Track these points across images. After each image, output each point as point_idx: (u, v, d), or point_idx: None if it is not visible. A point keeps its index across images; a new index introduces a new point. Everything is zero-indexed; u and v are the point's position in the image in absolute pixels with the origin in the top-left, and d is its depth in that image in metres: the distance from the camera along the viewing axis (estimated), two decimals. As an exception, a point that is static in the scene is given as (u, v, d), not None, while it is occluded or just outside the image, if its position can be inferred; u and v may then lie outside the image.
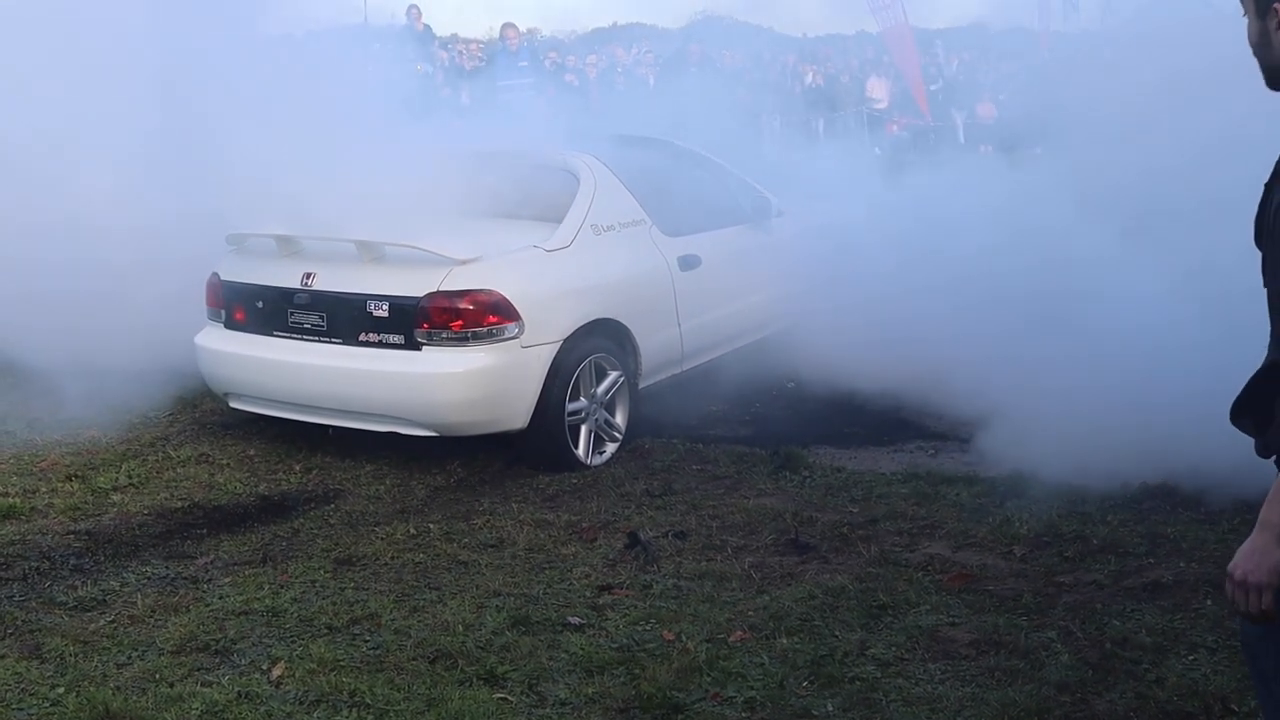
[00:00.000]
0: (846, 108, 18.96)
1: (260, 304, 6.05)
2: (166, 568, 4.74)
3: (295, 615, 4.23)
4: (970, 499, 5.28)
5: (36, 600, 4.42)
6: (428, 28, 15.81)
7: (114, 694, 3.65)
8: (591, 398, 5.99)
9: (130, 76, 6.80)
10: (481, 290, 5.60)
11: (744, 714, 3.53)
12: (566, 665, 3.81)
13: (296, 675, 3.77)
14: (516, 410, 5.71)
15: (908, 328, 6.55)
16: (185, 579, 4.62)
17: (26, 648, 4.00)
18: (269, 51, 6.98)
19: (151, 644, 4.03)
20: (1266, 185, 2.05)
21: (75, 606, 4.36)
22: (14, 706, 3.62)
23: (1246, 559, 2.01)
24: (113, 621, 4.22)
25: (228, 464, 6.00)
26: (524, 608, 4.22)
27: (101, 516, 5.32)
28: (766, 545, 4.82)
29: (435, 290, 5.59)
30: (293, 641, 4.02)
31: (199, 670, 3.84)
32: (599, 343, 6.04)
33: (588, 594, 4.38)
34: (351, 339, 5.77)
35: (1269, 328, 2.07)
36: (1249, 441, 2.13)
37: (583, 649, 3.90)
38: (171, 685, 3.72)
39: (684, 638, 3.97)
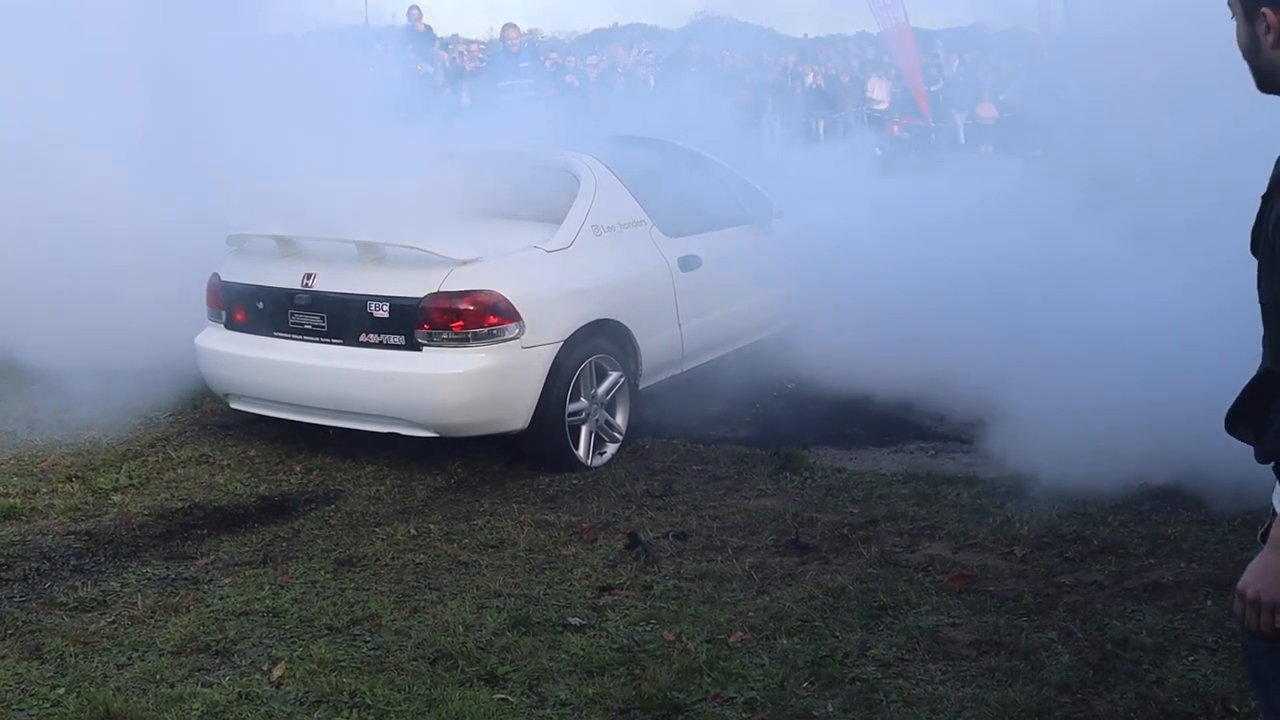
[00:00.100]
0: (847, 108, 18.97)
1: (261, 305, 6.05)
2: (167, 568, 4.74)
3: (296, 616, 4.23)
4: (971, 500, 5.28)
5: (37, 601, 4.42)
6: (428, 28, 15.82)
7: (114, 694, 3.65)
8: (592, 398, 5.99)
9: (131, 77, 6.80)
10: (482, 291, 5.60)
11: (744, 714, 3.52)
12: (567, 666, 3.81)
13: (297, 676, 3.77)
14: (517, 411, 5.71)
15: (908, 328, 6.55)
16: (186, 579, 4.62)
17: (27, 648, 4.01)
18: (269, 52, 6.98)
19: (152, 644, 4.03)
20: (1264, 197, 2.04)
21: (75, 607, 4.36)
22: (14, 707, 3.63)
23: (1258, 578, 1.97)
24: (113, 622, 4.22)
25: (228, 465, 6.01)
26: (524, 608, 4.22)
27: (102, 517, 5.32)
28: (767, 546, 4.82)
29: (436, 291, 5.59)
30: (293, 642, 4.02)
31: (199, 671, 3.84)
32: (599, 343, 6.04)
33: (588, 595, 4.38)
34: (352, 340, 5.77)
35: (1262, 334, 2.06)
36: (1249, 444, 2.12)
37: (583, 649, 3.90)
38: (172, 686, 3.72)
39: (684, 638, 3.97)
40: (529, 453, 5.91)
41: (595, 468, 5.92)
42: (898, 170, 12.01)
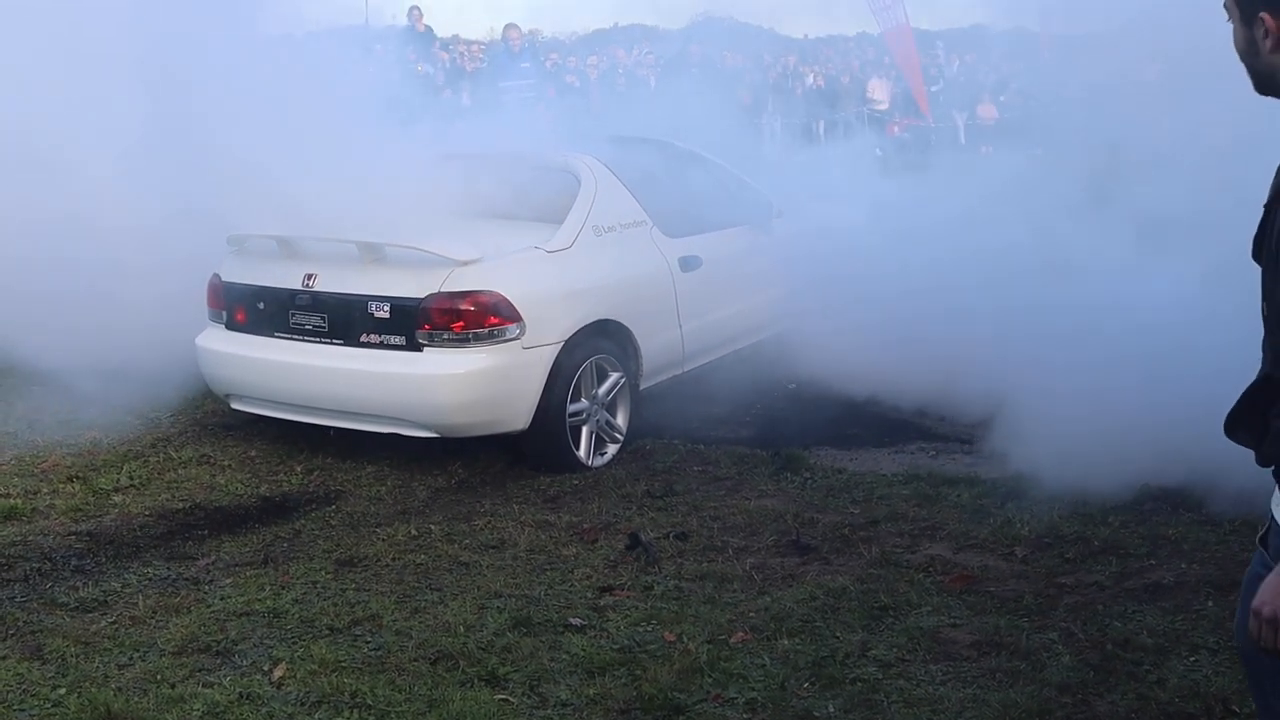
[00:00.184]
0: (847, 109, 18.98)
1: (261, 305, 6.05)
2: (168, 569, 4.74)
3: (296, 616, 4.23)
4: (971, 500, 5.28)
5: (38, 601, 4.43)
6: (429, 29, 15.83)
7: (115, 695, 3.65)
8: (593, 399, 5.99)
9: (132, 77, 6.80)
10: (483, 291, 5.60)
11: (745, 715, 3.53)
12: (568, 666, 3.81)
13: (298, 676, 3.77)
14: (518, 411, 5.71)
15: (909, 329, 6.55)
16: (186, 580, 4.62)
17: (28, 649, 4.01)
18: (270, 52, 6.98)
19: (153, 645, 4.03)
20: (1266, 206, 2.04)
21: (76, 607, 4.36)
22: (15, 707, 3.63)
23: (1275, 595, 1.95)
24: (114, 622, 4.22)
25: (229, 465, 6.01)
26: (525, 609, 4.22)
27: (103, 517, 5.32)
28: (768, 546, 4.82)
29: (436, 291, 5.59)
30: (294, 642, 4.02)
31: (200, 671, 3.84)
32: (600, 344, 6.04)
33: (589, 595, 4.38)
34: (353, 340, 5.77)
35: (1263, 339, 2.06)
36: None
37: (584, 650, 3.90)
38: (173, 686, 3.72)
39: (685, 639, 3.97)
40: (530, 453, 5.91)
41: (596, 468, 5.92)
42: (898, 170, 12.00)
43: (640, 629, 4.07)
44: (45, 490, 5.64)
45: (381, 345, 5.70)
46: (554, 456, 5.86)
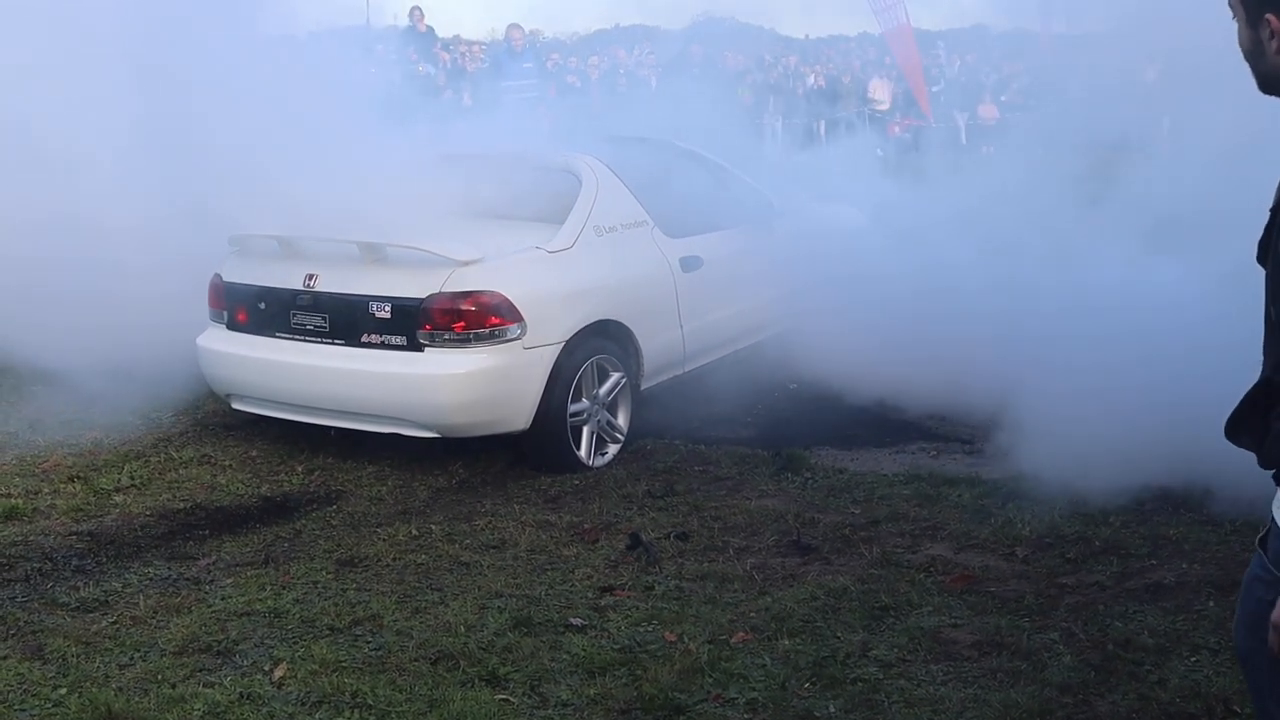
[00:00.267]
0: (849, 109, 18.99)
1: (263, 305, 6.05)
2: (169, 569, 4.74)
3: (297, 616, 4.23)
4: (972, 500, 5.28)
5: (39, 601, 4.43)
6: (430, 29, 15.84)
7: (116, 695, 3.65)
8: (593, 399, 5.99)
9: (132, 77, 6.80)
10: (484, 291, 5.60)
11: (746, 715, 3.52)
12: (568, 666, 3.81)
13: (298, 676, 3.77)
14: (519, 411, 5.71)
15: (909, 329, 6.55)
16: (187, 580, 4.62)
17: (29, 648, 4.01)
18: (271, 53, 6.98)
19: (153, 645, 4.03)
20: (1272, 210, 2.04)
21: (77, 607, 4.36)
22: (16, 707, 3.63)
23: None
24: (115, 622, 4.22)
25: (230, 465, 6.01)
26: (526, 609, 4.22)
27: (104, 517, 5.32)
28: (768, 546, 4.81)
29: (438, 291, 5.59)
30: (295, 642, 4.03)
31: (201, 671, 3.84)
32: (601, 344, 6.04)
33: (589, 595, 4.38)
34: (354, 340, 5.77)
35: (1263, 342, 2.06)
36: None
37: (585, 650, 3.90)
38: (173, 686, 3.72)
39: (686, 639, 3.97)
40: (530, 453, 5.91)
41: (597, 468, 5.92)
42: (899, 170, 12.00)
43: (641, 629, 4.07)
44: (46, 490, 5.64)
45: (383, 345, 5.70)
46: (555, 456, 5.86)
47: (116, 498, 5.55)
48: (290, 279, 5.94)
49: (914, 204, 9.15)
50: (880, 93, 19.40)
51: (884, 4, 17.02)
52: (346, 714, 3.55)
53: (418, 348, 5.63)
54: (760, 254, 7.13)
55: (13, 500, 5.44)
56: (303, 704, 3.61)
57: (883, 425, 6.54)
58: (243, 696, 3.65)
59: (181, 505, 5.47)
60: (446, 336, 5.58)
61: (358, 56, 7.69)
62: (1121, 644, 3.85)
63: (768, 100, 17.84)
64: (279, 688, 3.72)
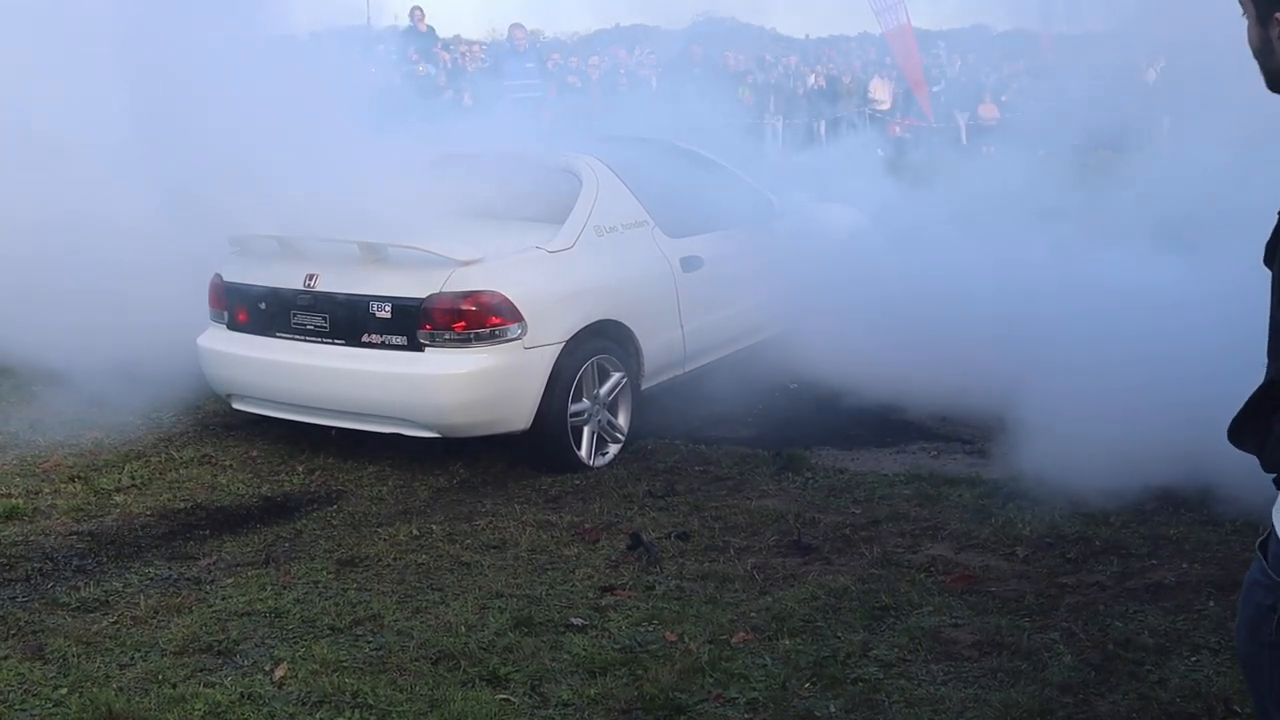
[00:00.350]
0: (849, 109, 19.00)
1: (263, 305, 6.05)
2: (169, 569, 4.74)
3: (298, 616, 4.23)
4: (973, 500, 5.28)
5: (39, 601, 4.43)
6: (431, 29, 15.85)
7: (117, 695, 3.65)
8: (594, 399, 5.99)
9: (133, 77, 6.80)
10: (484, 291, 5.60)
11: (746, 715, 3.53)
12: (569, 666, 3.82)
13: (299, 676, 3.77)
14: (519, 411, 5.71)
15: (910, 329, 6.55)
16: (188, 580, 4.62)
17: (29, 648, 4.01)
18: (272, 53, 6.98)
19: (154, 645, 4.03)
20: None
21: (78, 607, 4.36)
22: (17, 707, 3.63)
23: None
24: (115, 622, 4.22)
25: (230, 465, 6.01)
26: (526, 609, 4.23)
27: (104, 517, 5.32)
28: (769, 546, 4.82)
29: (438, 291, 5.59)
30: (295, 642, 4.03)
31: (202, 671, 3.84)
32: (601, 344, 6.04)
33: (590, 595, 4.38)
34: (354, 340, 5.77)
35: (1267, 344, 2.06)
36: None
37: (585, 650, 3.90)
38: (174, 686, 3.72)
39: (686, 639, 3.97)
40: (531, 453, 5.91)
41: (597, 468, 5.92)
42: (899, 170, 12.01)
43: (642, 629, 4.07)
44: (47, 490, 5.64)
45: (383, 345, 5.70)
46: (555, 456, 5.86)
47: (117, 498, 5.55)
48: (291, 279, 5.94)
49: (915, 204, 9.16)
50: (881, 92, 19.42)
51: (885, 4, 17.04)
52: (347, 714, 3.55)
53: (418, 348, 5.63)
54: (761, 254, 7.13)
55: (13, 500, 5.44)
56: (303, 704, 3.62)
57: (883, 425, 6.54)
58: (243, 696, 3.65)
59: (182, 505, 5.47)
60: (447, 336, 5.58)
61: (358, 56, 7.69)
62: (1122, 644, 3.85)
63: (768, 100, 17.85)
64: (280, 688, 3.72)
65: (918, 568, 4.55)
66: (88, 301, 7.02)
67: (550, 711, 3.57)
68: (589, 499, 5.44)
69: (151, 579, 4.64)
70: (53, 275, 7.11)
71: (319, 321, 5.86)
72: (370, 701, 3.60)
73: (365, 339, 5.74)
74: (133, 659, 3.94)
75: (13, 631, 4.16)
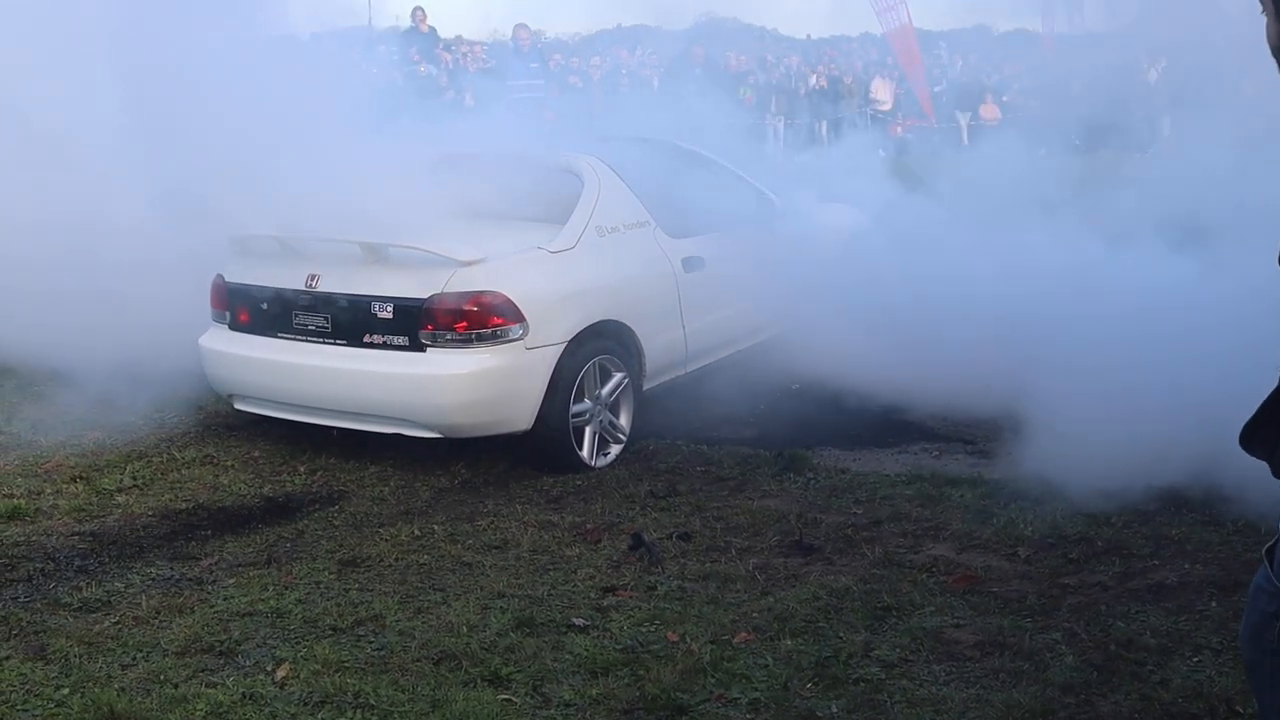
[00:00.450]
0: (851, 109, 19.01)
1: (265, 305, 6.05)
2: (171, 569, 4.74)
3: (300, 616, 4.23)
4: (975, 501, 5.28)
5: (41, 601, 4.43)
6: (432, 29, 15.85)
7: (119, 695, 3.65)
8: (596, 399, 5.99)
9: (133, 77, 6.81)
10: (486, 292, 5.60)
11: (748, 715, 3.52)
12: (571, 666, 3.82)
13: (301, 676, 3.77)
14: (521, 412, 5.71)
15: (912, 330, 6.55)
16: (190, 580, 4.63)
17: (31, 649, 4.01)
18: (272, 53, 6.98)
19: (156, 645, 4.03)
20: None
21: (80, 608, 4.36)
22: (19, 707, 3.63)
23: None
24: (117, 623, 4.22)
25: (232, 465, 6.01)
26: (528, 609, 4.23)
27: (106, 518, 5.32)
28: (771, 547, 4.81)
29: (440, 292, 5.59)
30: (297, 643, 4.03)
31: (204, 671, 3.84)
32: (603, 344, 6.04)
33: (592, 595, 4.38)
34: (356, 340, 5.77)
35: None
36: None
37: (587, 650, 3.90)
38: (176, 686, 3.72)
39: (688, 639, 3.97)
40: (533, 454, 5.90)
41: (599, 469, 5.92)
42: (900, 170, 12.00)
43: (643, 629, 4.07)
44: (49, 490, 5.65)
45: (385, 346, 5.70)
46: (557, 457, 5.85)
47: (119, 498, 5.56)
48: (292, 279, 5.94)
49: (916, 204, 9.15)
50: (882, 93, 19.43)
51: (886, 4, 17.04)
52: (349, 714, 3.55)
53: (420, 348, 5.63)
54: (762, 254, 7.12)
55: (15, 500, 5.44)
56: (305, 704, 3.62)
57: (885, 425, 6.54)
58: (245, 697, 3.65)
59: (184, 505, 5.48)
60: (449, 337, 5.58)
61: (360, 57, 7.69)
62: (1124, 644, 3.85)
63: (770, 100, 17.85)
64: (281, 688, 3.72)
65: (920, 568, 4.55)
66: (89, 302, 7.03)
67: (552, 712, 3.57)
68: (591, 499, 5.44)
69: (153, 579, 4.64)
70: (54, 275, 7.11)
71: (321, 322, 5.86)
72: (372, 702, 3.60)
73: (367, 339, 5.74)
74: (135, 659, 3.94)
75: (15, 632, 4.16)
